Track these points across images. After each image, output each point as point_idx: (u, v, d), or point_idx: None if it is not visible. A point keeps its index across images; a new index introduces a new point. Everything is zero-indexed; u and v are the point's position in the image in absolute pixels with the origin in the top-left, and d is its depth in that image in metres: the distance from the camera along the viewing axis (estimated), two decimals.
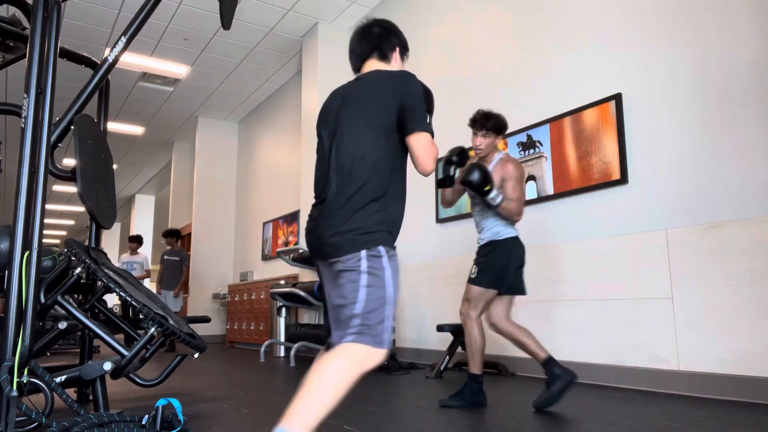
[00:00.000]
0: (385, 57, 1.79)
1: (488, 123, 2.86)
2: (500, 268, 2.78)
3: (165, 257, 7.78)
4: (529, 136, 4.08)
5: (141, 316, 2.89)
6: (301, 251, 5.79)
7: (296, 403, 1.37)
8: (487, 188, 2.67)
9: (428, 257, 4.93)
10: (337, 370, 1.42)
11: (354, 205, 1.54)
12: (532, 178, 4.02)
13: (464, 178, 2.67)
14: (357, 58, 1.81)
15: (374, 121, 1.60)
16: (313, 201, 1.83)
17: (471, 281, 2.83)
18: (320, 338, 5.13)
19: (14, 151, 9.90)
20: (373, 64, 1.78)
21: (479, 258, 2.87)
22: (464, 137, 4.68)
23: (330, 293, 1.63)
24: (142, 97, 8.44)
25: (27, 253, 2.23)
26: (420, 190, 5.13)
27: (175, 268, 7.72)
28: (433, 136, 1.62)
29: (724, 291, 2.87)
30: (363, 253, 1.51)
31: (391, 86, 1.63)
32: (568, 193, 3.74)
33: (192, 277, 9.06)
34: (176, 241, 8.02)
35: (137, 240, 7.99)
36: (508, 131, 4.27)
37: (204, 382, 3.84)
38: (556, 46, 3.99)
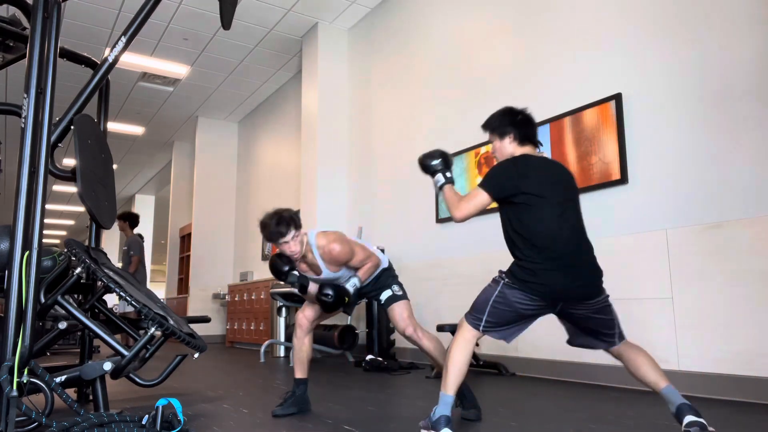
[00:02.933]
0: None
1: (295, 222, 2.49)
2: None
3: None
4: None
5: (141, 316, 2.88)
6: None
7: (656, 368, 2.03)
8: (347, 300, 2.53)
9: (428, 257, 4.93)
10: None
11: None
12: None
13: (328, 308, 2.54)
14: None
15: None
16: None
17: (404, 298, 2.68)
18: (320, 338, 5.13)
19: (14, 151, 9.89)
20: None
21: (390, 281, 2.73)
22: (464, 138, 4.68)
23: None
24: (142, 97, 8.44)
25: (27, 253, 2.24)
26: (420, 190, 5.13)
27: (123, 259, 6.57)
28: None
29: (724, 291, 2.87)
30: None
31: None
32: None
33: (192, 277, 9.06)
34: (130, 227, 6.63)
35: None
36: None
37: (204, 382, 3.84)
38: (555, 47, 3.98)
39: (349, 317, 5.35)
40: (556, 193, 2.07)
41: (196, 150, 9.55)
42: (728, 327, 2.83)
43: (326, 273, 2.63)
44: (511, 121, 2.26)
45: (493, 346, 4.15)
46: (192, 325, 7.97)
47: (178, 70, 7.53)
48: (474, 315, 2.10)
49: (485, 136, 4.47)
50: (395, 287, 2.70)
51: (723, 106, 2.98)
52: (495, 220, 4.27)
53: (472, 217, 2.14)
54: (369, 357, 4.63)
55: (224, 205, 9.52)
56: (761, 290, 2.72)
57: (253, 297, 7.40)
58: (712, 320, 2.89)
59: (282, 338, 5.99)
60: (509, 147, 2.25)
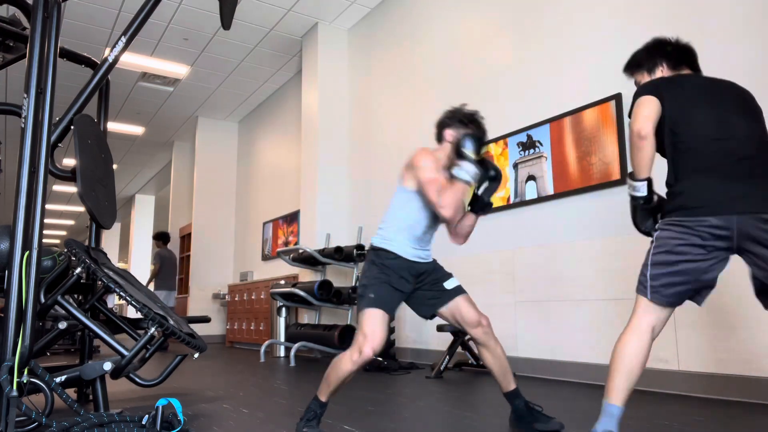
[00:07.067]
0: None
1: None
2: None
3: None
4: (529, 136, 4.08)
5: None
6: (301, 251, 5.78)
7: None
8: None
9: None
10: None
11: None
12: (532, 178, 4.02)
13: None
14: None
15: None
16: None
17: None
18: (320, 338, 5.13)
19: (14, 151, 9.88)
20: None
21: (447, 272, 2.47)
22: None
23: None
24: (142, 97, 8.44)
25: (27, 253, 2.24)
26: None
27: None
28: None
29: (723, 291, 2.86)
30: None
31: None
32: (568, 193, 3.74)
33: (192, 277, 9.07)
34: (163, 244, 8.51)
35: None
36: (509, 131, 4.26)
37: (204, 382, 3.84)
38: (555, 46, 3.98)
39: (349, 315, 5.35)
40: None
41: (196, 150, 9.55)
42: (728, 327, 2.83)
43: None
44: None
45: None
46: (192, 325, 7.92)
47: (178, 70, 7.53)
48: (639, 281, 1.83)
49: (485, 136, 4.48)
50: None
51: None
52: (496, 221, 4.28)
53: None
54: None
55: (224, 205, 9.52)
56: None
57: (253, 297, 7.40)
58: (712, 320, 2.89)
59: (282, 338, 5.99)
60: None
